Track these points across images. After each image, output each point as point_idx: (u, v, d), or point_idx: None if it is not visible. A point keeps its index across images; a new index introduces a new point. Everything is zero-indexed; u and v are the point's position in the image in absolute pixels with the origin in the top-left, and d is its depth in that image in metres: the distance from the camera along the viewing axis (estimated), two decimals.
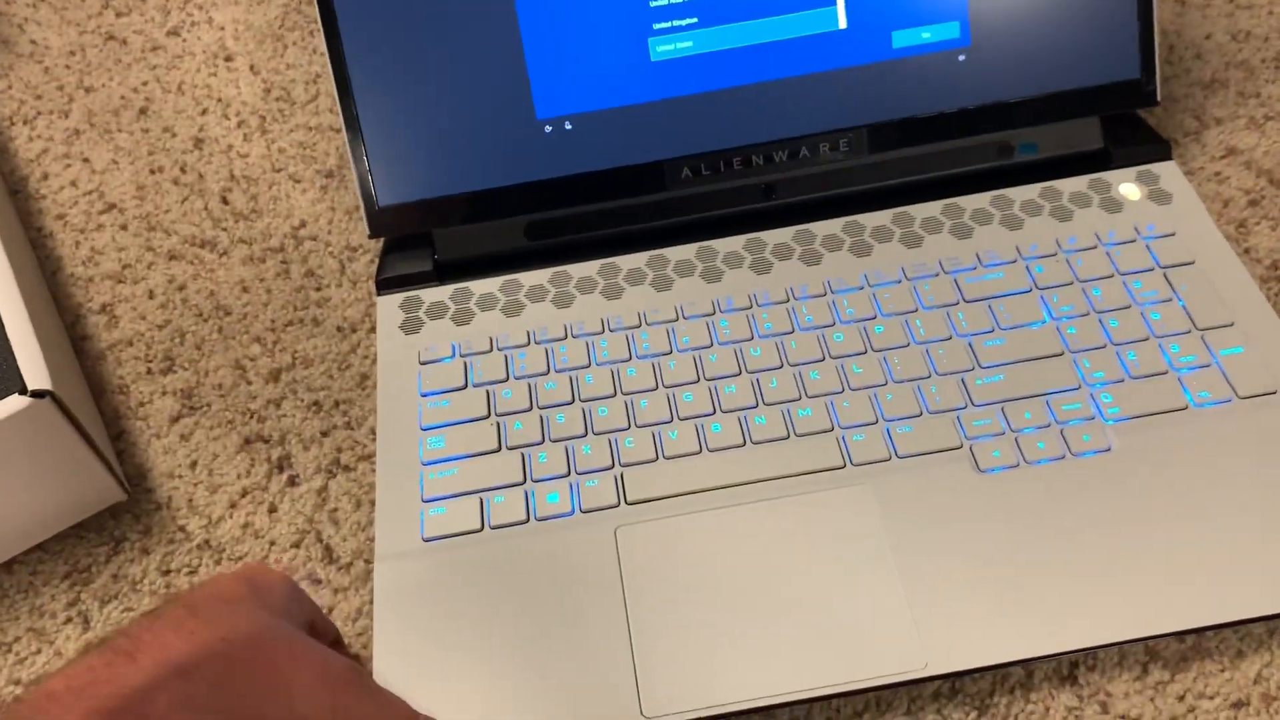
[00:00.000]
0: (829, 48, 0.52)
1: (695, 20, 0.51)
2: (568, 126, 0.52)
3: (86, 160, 0.64)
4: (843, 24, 0.52)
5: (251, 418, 0.52)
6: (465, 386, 0.50)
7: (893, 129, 0.54)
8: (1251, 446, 0.44)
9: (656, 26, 0.51)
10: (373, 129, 0.52)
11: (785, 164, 0.54)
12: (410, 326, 0.52)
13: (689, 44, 0.52)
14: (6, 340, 0.45)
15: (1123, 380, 0.47)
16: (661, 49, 0.52)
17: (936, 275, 0.51)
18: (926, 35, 0.52)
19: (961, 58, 0.53)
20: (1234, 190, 0.55)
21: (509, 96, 0.52)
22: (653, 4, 0.51)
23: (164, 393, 0.53)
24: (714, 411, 0.48)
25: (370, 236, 0.54)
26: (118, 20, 0.71)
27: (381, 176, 0.52)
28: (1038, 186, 0.54)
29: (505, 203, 0.53)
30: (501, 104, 0.52)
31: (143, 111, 0.66)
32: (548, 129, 0.52)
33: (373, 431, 0.50)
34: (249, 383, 0.53)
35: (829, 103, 0.53)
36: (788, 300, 0.51)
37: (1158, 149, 0.55)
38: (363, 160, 0.52)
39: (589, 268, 0.54)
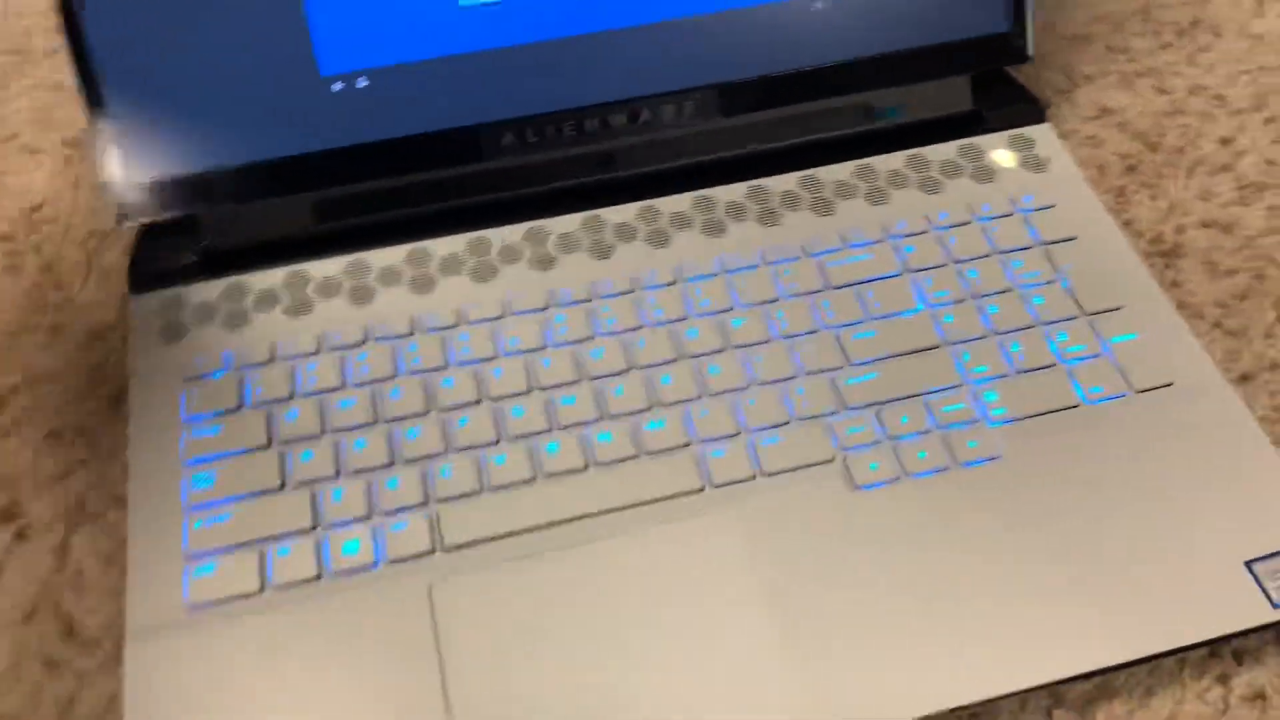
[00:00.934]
0: None
1: None
2: (360, 83, 0.43)
3: None
4: None
5: None
6: (240, 407, 0.41)
7: (744, 89, 0.47)
8: (1153, 448, 0.40)
9: None
10: (116, 87, 0.42)
11: (624, 129, 0.46)
12: (172, 333, 0.43)
13: None
14: None
15: (1007, 375, 0.42)
16: None
17: (798, 259, 0.45)
18: None
19: (818, 4, 0.46)
20: (1109, 155, 0.50)
21: (286, 47, 0.42)
22: None
23: None
24: (549, 428, 0.40)
25: (118, 222, 0.44)
26: None
27: (130, 147, 0.42)
28: (903, 154, 0.48)
29: (287, 176, 0.44)
30: (277, 56, 0.42)
31: None
32: (336, 86, 0.43)
33: (127, 467, 0.40)
34: None
35: (672, 57, 0.45)
36: (633, 290, 0.44)
37: (1031, 110, 0.50)
38: (103, 126, 0.42)
39: (393, 254, 0.45)
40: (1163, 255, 0.47)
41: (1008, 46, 0.49)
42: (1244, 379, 0.43)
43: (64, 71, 0.53)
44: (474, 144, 0.45)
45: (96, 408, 0.43)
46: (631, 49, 0.45)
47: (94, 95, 0.41)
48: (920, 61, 0.48)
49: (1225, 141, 0.51)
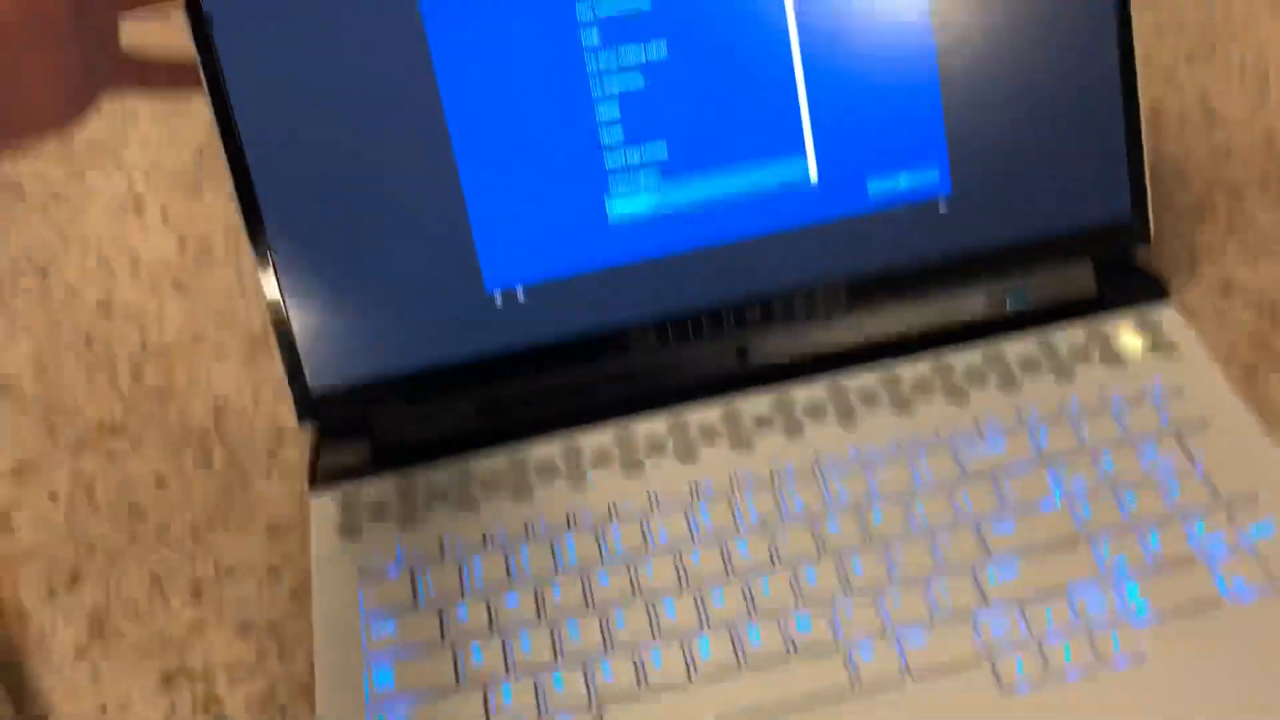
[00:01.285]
0: (801, 201, 0.48)
1: (655, 176, 0.47)
2: (520, 298, 0.47)
3: None
4: (814, 174, 0.48)
5: (169, 646, 0.45)
6: (414, 604, 0.44)
7: (873, 282, 0.49)
8: None
9: (613, 185, 0.47)
10: (297, 296, 0.46)
11: (759, 323, 0.49)
12: (349, 530, 0.46)
13: (649, 202, 0.47)
14: None
15: (1147, 568, 0.42)
16: (620, 209, 0.47)
17: (933, 447, 0.47)
18: (904, 182, 0.48)
19: (943, 206, 0.48)
20: (1237, 333, 0.51)
21: (454, 267, 0.46)
22: (609, 163, 0.46)
23: (69, 619, 0.47)
24: (701, 626, 0.42)
25: (299, 423, 0.48)
26: (16, 166, 0.65)
27: (309, 355, 0.47)
28: (1032, 339, 0.50)
29: (453, 380, 0.48)
30: (445, 275, 0.47)
31: (43, 273, 0.59)
32: (498, 301, 0.47)
33: (311, 658, 0.44)
34: (167, 602, 0.47)
35: (803, 259, 0.48)
36: (773, 482, 0.46)
37: (1153, 290, 0.51)
38: (287, 337, 0.46)
39: (549, 449, 0.48)
40: None
41: (1130, 231, 0.50)
42: None
43: (245, 272, 0.58)
44: (620, 343, 0.49)
45: (282, 600, 0.46)
46: (765, 253, 0.48)
47: (275, 303, 0.46)
48: (1045, 249, 0.50)
49: None
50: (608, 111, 0.46)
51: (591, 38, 0.45)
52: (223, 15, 0.43)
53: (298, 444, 0.51)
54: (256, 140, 0.45)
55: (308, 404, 0.48)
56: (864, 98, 0.47)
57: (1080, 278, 0.51)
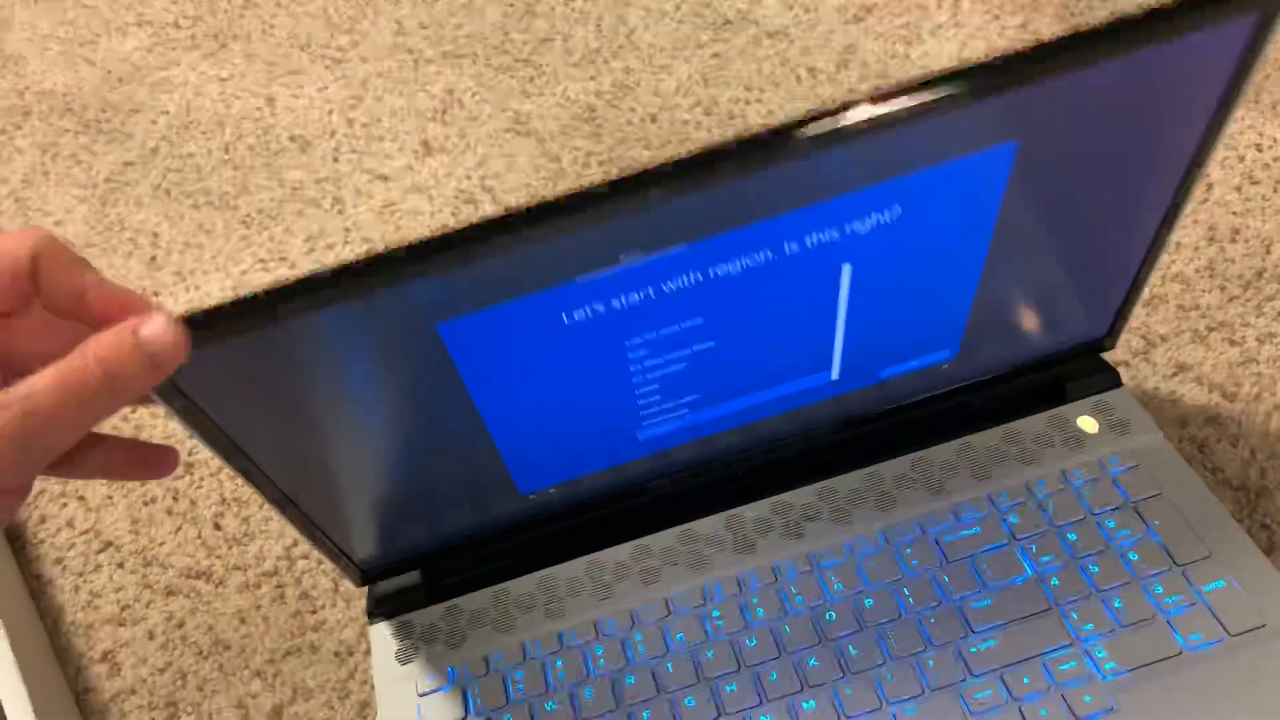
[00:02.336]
0: (817, 392, 0.51)
1: (685, 411, 0.49)
2: (552, 492, 0.52)
3: (82, 498, 0.65)
4: (834, 376, 0.50)
5: None
6: (466, 717, 0.50)
7: (868, 419, 0.55)
8: (1251, 690, 0.45)
9: (645, 421, 0.49)
10: (341, 538, 0.50)
11: (762, 457, 0.55)
12: (405, 655, 0.53)
13: (678, 423, 0.50)
14: None
15: (1113, 631, 0.48)
16: (649, 432, 0.50)
17: (916, 537, 0.52)
18: (916, 364, 0.52)
19: (945, 366, 0.53)
20: (1190, 408, 0.57)
21: (490, 479, 0.50)
22: (642, 412, 0.48)
23: None
24: (718, 715, 0.48)
25: (362, 583, 0.54)
26: None
27: (357, 555, 0.52)
28: (999, 431, 0.56)
29: (490, 541, 0.54)
30: (484, 484, 0.50)
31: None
32: (532, 497, 0.52)
33: None
34: None
35: (809, 419, 0.53)
36: (775, 580, 0.52)
37: (1107, 378, 0.57)
38: (337, 556, 0.50)
39: (574, 568, 0.55)
40: (1249, 499, 0.53)
41: (1100, 345, 0.55)
42: None
43: None
44: (639, 492, 0.54)
45: (350, 715, 0.53)
46: (778, 422, 0.52)
47: (324, 545, 0.49)
48: (1024, 370, 0.55)
49: None
50: (645, 387, 0.46)
51: (638, 350, 0.44)
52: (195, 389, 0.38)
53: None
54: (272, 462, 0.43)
55: (364, 577, 0.53)
56: (897, 326, 0.48)
57: (1046, 378, 0.57)
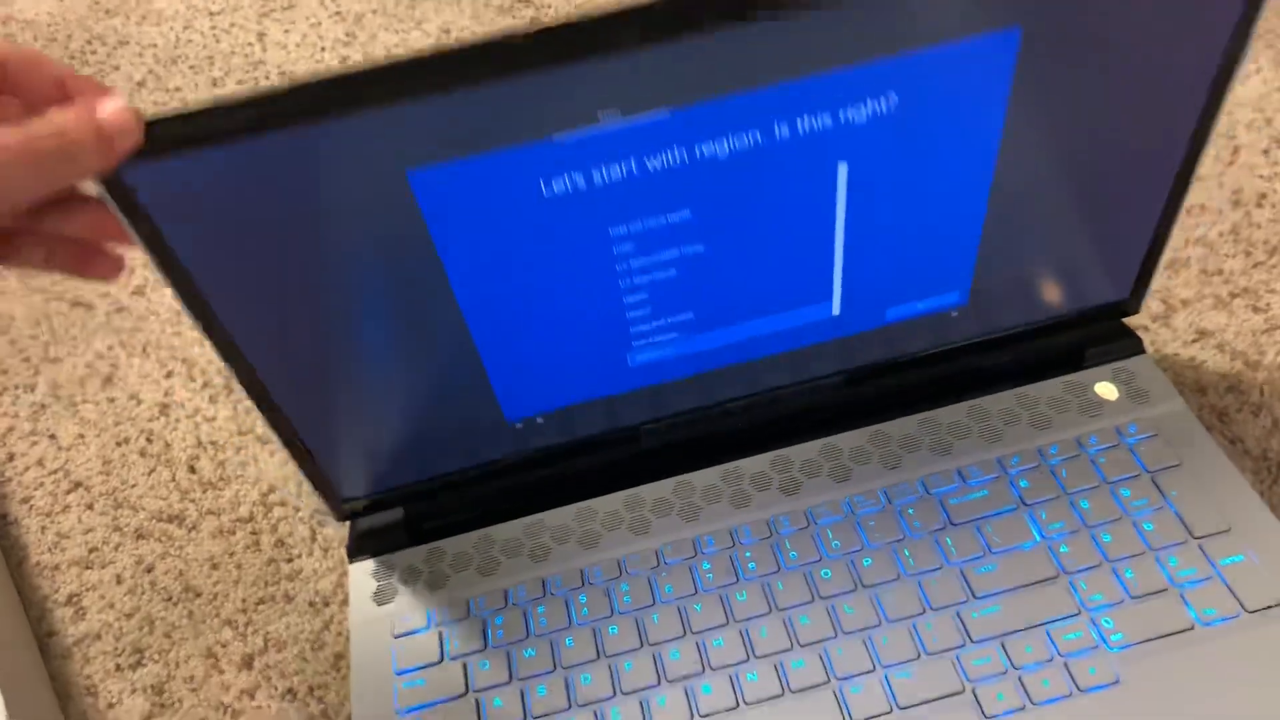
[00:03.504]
0: (819, 328, 0.49)
1: (678, 335, 0.47)
2: (539, 421, 0.50)
3: (53, 436, 0.63)
4: (836, 311, 0.48)
5: (225, 712, 0.50)
6: (441, 660, 0.48)
7: (874, 370, 0.52)
8: (1267, 669, 0.42)
9: (636, 342, 0.47)
10: (324, 453, 0.48)
11: (764, 408, 0.52)
12: (383, 595, 0.51)
13: (670, 352, 0.48)
14: None
15: (1123, 602, 0.45)
16: (640, 358, 0.48)
17: (920, 497, 0.50)
18: (923, 306, 0.50)
19: (955, 314, 0.51)
20: (1211, 376, 0.54)
21: (475, 404, 0.48)
22: (633, 330, 0.46)
23: (134, 690, 0.51)
24: (703, 670, 0.46)
25: (339, 520, 0.52)
26: (84, 284, 0.72)
27: (340, 481, 0.50)
28: (1012, 393, 0.53)
29: (476, 479, 0.52)
30: (469, 410, 0.48)
31: (108, 379, 0.65)
32: (518, 426, 0.50)
33: (350, 718, 0.48)
34: (221, 672, 0.51)
35: (813, 363, 0.51)
36: (770, 535, 0.50)
37: (1130, 344, 0.54)
38: (317, 477, 0.48)
39: (563, 514, 0.52)
40: (1270, 471, 0.50)
41: (1121, 308, 0.53)
42: None
43: None
44: (632, 438, 0.52)
45: (322, 666, 0.51)
46: (779, 365, 0.50)
47: (303, 456, 0.47)
48: (1040, 332, 0.52)
49: None
50: (635, 296, 0.44)
51: (624, 245, 0.42)
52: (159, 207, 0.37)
53: (338, 524, 0.56)
54: (258, 346, 0.42)
55: (344, 510, 0.51)
56: (901, 254, 0.46)
57: (1065, 340, 0.54)
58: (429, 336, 0.44)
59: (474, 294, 0.42)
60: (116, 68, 0.83)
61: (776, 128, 0.39)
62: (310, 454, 0.47)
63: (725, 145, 0.39)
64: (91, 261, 0.39)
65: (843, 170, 0.41)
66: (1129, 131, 0.44)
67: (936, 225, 0.45)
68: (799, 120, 0.39)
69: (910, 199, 0.44)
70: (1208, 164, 0.64)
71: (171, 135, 0.34)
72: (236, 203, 0.37)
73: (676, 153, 0.39)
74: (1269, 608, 0.44)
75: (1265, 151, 0.64)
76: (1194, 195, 0.62)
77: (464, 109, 0.36)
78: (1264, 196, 0.61)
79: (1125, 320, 0.55)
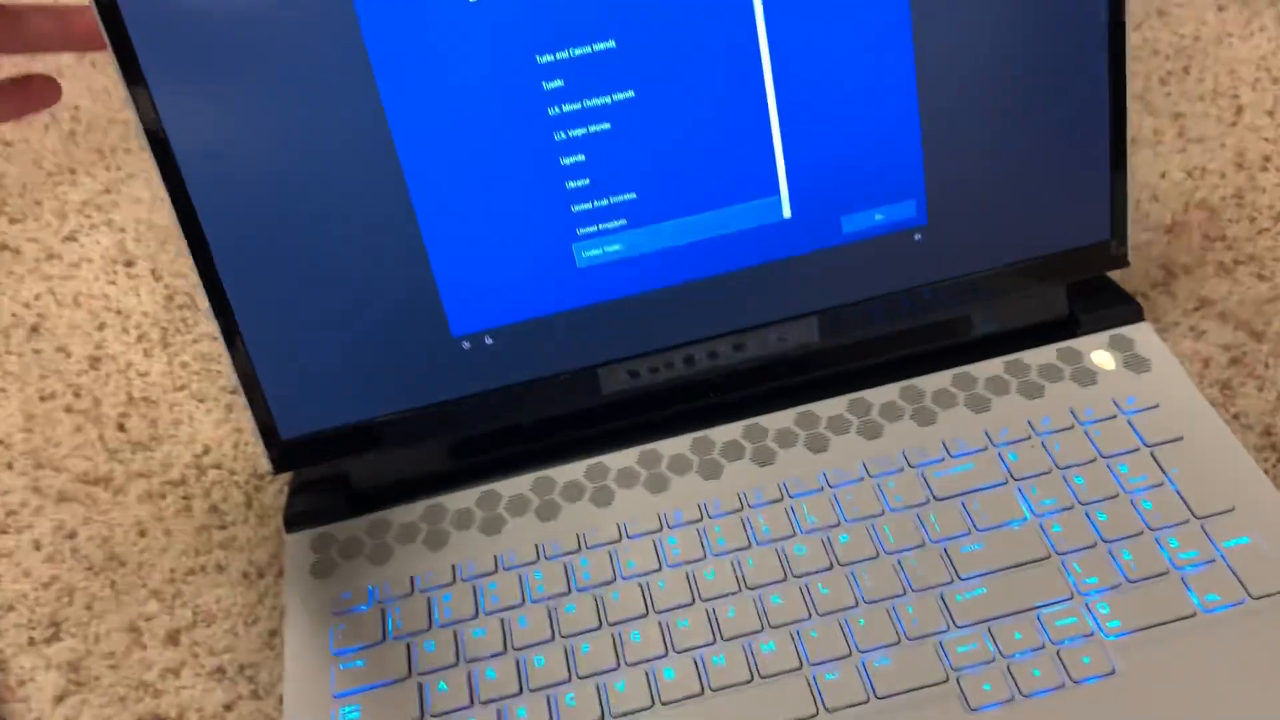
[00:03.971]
0: (773, 238, 0.47)
1: (624, 222, 0.46)
2: (488, 341, 0.47)
3: None
4: (787, 212, 0.47)
5: (146, 691, 0.46)
6: (383, 640, 0.44)
7: (844, 313, 0.49)
8: (1272, 659, 0.39)
9: (581, 231, 0.46)
10: (263, 350, 0.46)
11: (730, 356, 0.49)
12: (322, 569, 0.47)
13: (619, 247, 0.46)
14: None
15: (1120, 585, 0.42)
16: (588, 254, 0.46)
17: (901, 470, 0.47)
18: (879, 217, 0.48)
19: (918, 237, 0.48)
20: (1213, 347, 0.51)
21: (419, 314, 0.46)
22: (575, 208, 0.46)
23: (48, 666, 0.47)
24: (665, 653, 0.42)
25: (274, 473, 0.48)
26: (10, 227, 0.67)
27: (280, 409, 0.47)
28: (1001, 361, 0.50)
29: (424, 425, 0.48)
30: (411, 322, 0.46)
31: (34, 329, 0.61)
32: (465, 345, 0.47)
33: (283, 700, 0.44)
34: (144, 648, 0.47)
35: (775, 292, 0.48)
36: (741, 509, 0.46)
37: (1128, 310, 0.51)
38: (256, 393, 0.47)
39: (521, 484, 0.49)
40: (1274, 448, 0.47)
41: (1106, 254, 0.50)
42: None
43: None
44: (591, 382, 0.49)
45: (254, 643, 0.47)
46: (736, 289, 0.48)
47: (242, 358, 0.46)
48: (1020, 275, 0.50)
49: None
50: (573, 156, 0.45)
51: (554, 80, 0.43)
52: (158, 76, 0.41)
53: (275, 490, 0.52)
54: (211, 201, 0.43)
55: (282, 455, 0.48)
56: (840, 136, 0.46)
57: (1054, 300, 0.51)
58: (376, 231, 0.45)
59: (420, 167, 0.44)
60: None
61: None
62: (250, 360, 0.46)
63: None
64: (31, 96, 0.40)
65: (759, 6, 0.43)
66: (1043, 22, 0.45)
67: (871, 120, 0.46)
68: None
69: (839, 91, 0.45)
70: (1209, 124, 0.60)
71: None
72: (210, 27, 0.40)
73: None
74: (1276, 593, 0.41)
75: (1270, 112, 0.60)
76: (1195, 157, 0.59)
77: None
78: (1268, 159, 0.58)
79: (1122, 286, 0.51)
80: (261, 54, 0.41)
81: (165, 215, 0.65)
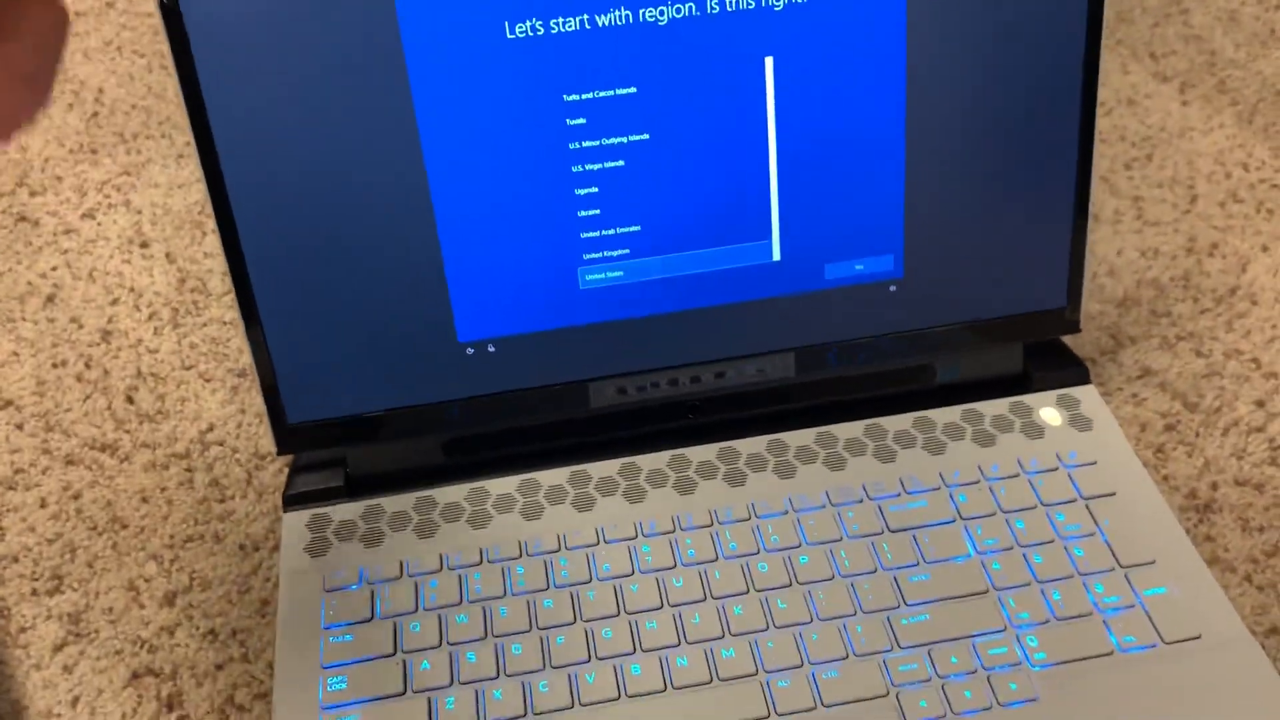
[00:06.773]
0: (761, 278, 0.51)
1: (627, 251, 0.50)
2: (490, 349, 0.51)
3: None
4: (777, 256, 0.51)
5: (142, 647, 0.49)
6: (371, 618, 0.47)
7: (819, 352, 0.53)
8: (1180, 699, 0.44)
9: (586, 256, 0.50)
10: (278, 339, 0.49)
11: (711, 384, 0.53)
12: (317, 548, 0.50)
13: (620, 273, 0.50)
14: None
15: (1048, 621, 0.46)
16: (591, 277, 0.50)
17: (860, 501, 0.51)
18: (860, 267, 0.52)
19: (893, 288, 0.52)
20: (1150, 413, 0.56)
21: (429, 317, 0.50)
22: (584, 235, 0.49)
23: (49, 616, 0.50)
24: (634, 651, 0.46)
25: (278, 454, 0.52)
26: (31, 200, 0.70)
27: (289, 393, 0.50)
28: (959, 409, 0.54)
29: (423, 421, 0.52)
30: (421, 324, 0.50)
31: (50, 299, 0.64)
32: (469, 350, 0.51)
33: (271, 666, 0.47)
34: (142, 607, 0.50)
35: (757, 328, 0.52)
36: (711, 524, 0.50)
37: (1076, 372, 0.55)
38: (268, 375, 0.50)
39: (507, 484, 0.52)
40: (1197, 510, 0.52)
41: (1061, 320, 0.54)
42: (1272, 632, 0.47)
43: (237, 309, 0.62)
44: (581, 395, 0.52)
45: (247, 610, 0.50)
46: (723, 321, 0.52)
47: (258, 341, 0.49)
48: (981, 332, 0.54)
49: (1259, 404, 0.56)
50: (587, 188, 0.49)
51: (577, 118, 0.48)
52: (209, 67, 0.45)
53: (275, 470, 0.55)
54: (245, 190, 0.47)
55: (286, 437, 0.51)
56: (832, 191, 0.50)
57: (1010, 357, 0.55)
58: (397, 234, 0.48)
59: (447, 182, 0.48)
60: None
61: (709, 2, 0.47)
62: (265, 345, 0.49)
63: (664, 14, 0.46)
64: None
65: (769, 65, 0.48)
66: (1022, 106, 0.50)
67: (860, 165, 0.50)
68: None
69: (835, 153, 0.50)
70: (1165, 210, 0.66)
71: None
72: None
73: (622, 13, 0.46)
74: (1185, 640, 0.45)
75: (1221, 204, 0.65)
76: (1150, 239, 0.64)
77: None
78: (1216, 246, 0.63)
79: (1073, 350, 0.56)
80: (309, 63, 0.45)
81: (181, 201, 0.68)
